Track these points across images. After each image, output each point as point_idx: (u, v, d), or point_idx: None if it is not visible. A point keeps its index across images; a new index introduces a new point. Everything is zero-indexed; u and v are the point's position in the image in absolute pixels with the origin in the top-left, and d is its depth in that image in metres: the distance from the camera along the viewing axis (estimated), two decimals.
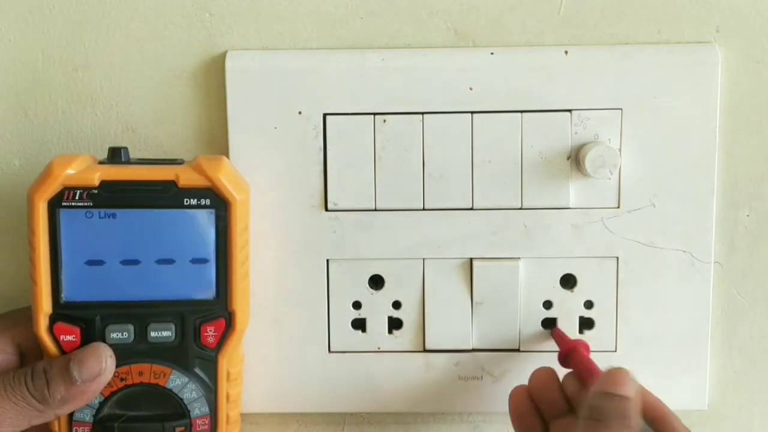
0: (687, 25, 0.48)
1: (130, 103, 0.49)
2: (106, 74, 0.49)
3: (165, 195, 0.43)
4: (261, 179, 0.48)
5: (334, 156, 0.48)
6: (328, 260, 0.49)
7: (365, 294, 0.50)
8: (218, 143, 0.49)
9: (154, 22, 0.48)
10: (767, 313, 0.51)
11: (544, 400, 0.45)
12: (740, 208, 0.50)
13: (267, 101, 0.48)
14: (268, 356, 0.50)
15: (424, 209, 0.49)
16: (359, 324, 0.50)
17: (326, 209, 0.49)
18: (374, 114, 0.48)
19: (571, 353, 0.47)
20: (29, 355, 0.45)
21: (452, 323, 0.50)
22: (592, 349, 0.48)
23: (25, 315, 0.45)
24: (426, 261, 0.49)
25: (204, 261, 0.44)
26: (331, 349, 0.50)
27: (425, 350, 0.50)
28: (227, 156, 0.48)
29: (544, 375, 0.46)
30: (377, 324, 0.50)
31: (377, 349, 0.50)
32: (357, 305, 0.50)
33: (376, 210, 0.49)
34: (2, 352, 0.45)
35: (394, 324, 0.50)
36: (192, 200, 0.43)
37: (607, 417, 0.39)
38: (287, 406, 0.51)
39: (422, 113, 0.48)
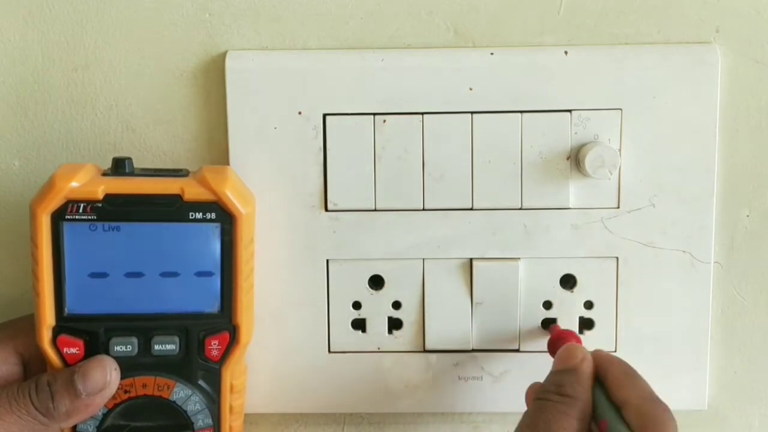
0: (687, 25, 0.48)
1: (130, 103, 0.49)
2: (106, 74, 0.49)
3: (170, 209, 0.43)
4: (261, 179, 0.48)
5: (334, 156, 0.48)
6: (328, 260, 0.49)
7: (365, 294, 0.50)
8: (218, 144, 0.49)
9: (154, 22, 0.48)
10: (767, 313, 0.51)
11: None
12: (740, 208, 0.50)
13: (267, 101, 0.48)
14: (268, 356, 0.50)
15: (424, 209, 0.48)
16: (359, 324, 0.50)
17: (326, 209, 0.49)
18: (374, 114, 0.48)
19: (557, 340, 0.46)
20: (32, 364, 0.45)
21: (452, 323, 0.49)
22: (592, 349, 0.48)
23: (27, 324, 0.45)
24: (426, 261, 0.49)
25: (209, 274, 0.44)
26: (331, 349, 0.50)
27: (425, 350, 0.50)
28: (227, 156, 0.48)
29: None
30: (377, 324, 0.50)
31: (377, 350, 0.50)
32: (357, 305, 0.50)
33: (376, 210, 0.49)
34: (5, 363, 0.44)
35: (394, 324, 0.50)
36: (197, 214, 0.43)
37: (549, 392, 0.41)
38: (287, 406, 0.51)
39: (422, 113, 0.48)
